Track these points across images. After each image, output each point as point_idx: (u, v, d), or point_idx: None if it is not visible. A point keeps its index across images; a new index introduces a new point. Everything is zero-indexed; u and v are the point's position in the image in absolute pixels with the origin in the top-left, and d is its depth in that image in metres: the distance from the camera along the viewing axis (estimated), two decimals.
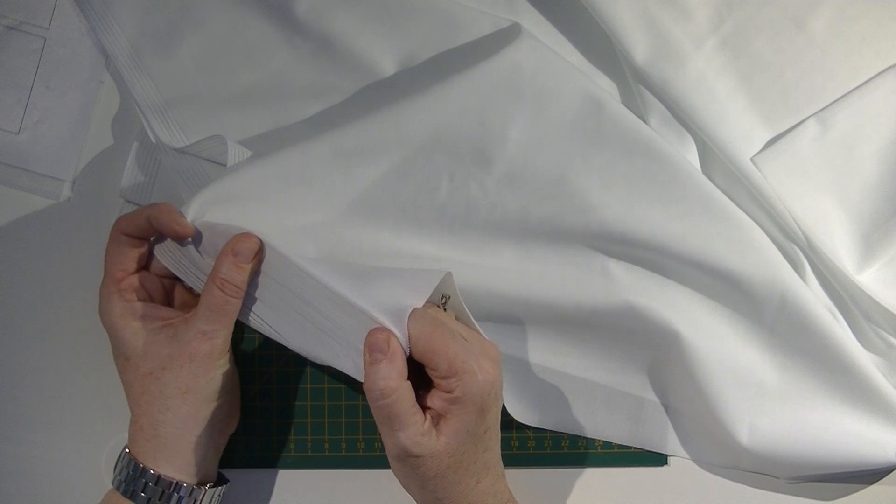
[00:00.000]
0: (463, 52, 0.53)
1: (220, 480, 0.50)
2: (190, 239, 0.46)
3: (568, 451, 0.54)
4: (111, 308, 0.47)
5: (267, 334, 0.47)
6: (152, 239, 0.48)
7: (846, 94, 0.52)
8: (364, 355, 0.42)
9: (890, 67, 0.52)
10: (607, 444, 0.54)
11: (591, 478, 0.54)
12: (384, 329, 0.43)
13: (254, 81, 0.53)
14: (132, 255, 0.47)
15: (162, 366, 0.46)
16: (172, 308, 0.49)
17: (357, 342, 0.43)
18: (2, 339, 0.54)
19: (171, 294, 0.50)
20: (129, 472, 0.46)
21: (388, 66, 0.53)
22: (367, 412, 0.53)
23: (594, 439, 0.54)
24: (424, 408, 0.44)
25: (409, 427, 0.42)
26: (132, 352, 0.46)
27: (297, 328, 0.46)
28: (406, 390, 0.42)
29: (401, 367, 0.42)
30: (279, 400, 0.54)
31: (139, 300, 0.47)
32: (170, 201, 0.47)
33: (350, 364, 0.45)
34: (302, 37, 0.53)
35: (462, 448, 0.44)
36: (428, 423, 0.43)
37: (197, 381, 0.46)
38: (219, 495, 0.49)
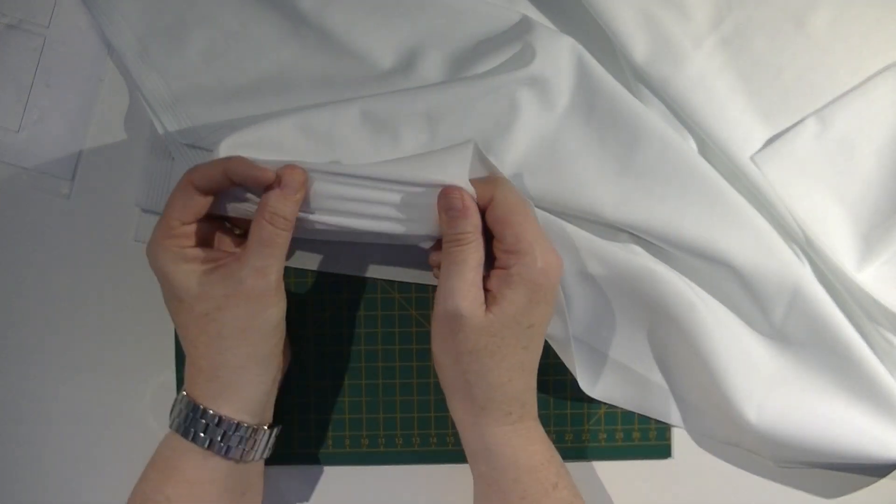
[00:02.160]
0: (485, 43, 0.53)
1: (274, 422, 0.50)
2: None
3: (572, 444, 0.54)
4: (163, 253, 0.45)
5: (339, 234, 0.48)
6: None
7: (846, 93, 0.52)
8: (440, 216, 0.45)
9: (890, 66, 0.52)
10: (611, 438, 0.54)
11: (595, 471, 0.54)
12: (455, 188, 0.45)
13: (262, 73, 0.53)
14: (197, 207, 0.46)
15: (217, 306, 0.45)
16: (220, 250, 0.48)
17: (428, 214, 0.46)
18: (1, 337, 0.54)
19: (214, 236, 0.49)
20: (188, 414, 0.46)
21: (395, 55, 0.53)
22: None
23: (597, 433, 0.54)
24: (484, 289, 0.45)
25: (466, 282, 0.44)
26: (185, 293, 0.45)
27: (363, 228, 0.47)
28: (479, 247, 0.44)
29: (477, 220, 0.45)
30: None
31: (192, 246, 0.46)
32: None
33: (424, 229, 0.46)
34: (309, 28, 0.53)
35: (503, 332, 0.44)
36: (482, 294, 0.44)
37: (254, 319, 0.45)
38: (274, 436, 0.49)
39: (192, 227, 0.46)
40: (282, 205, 0.45)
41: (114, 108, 0.55)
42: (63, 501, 0.54)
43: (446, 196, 0.45)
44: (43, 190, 0.54)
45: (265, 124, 0.48)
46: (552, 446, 0.48)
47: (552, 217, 0.51)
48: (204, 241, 0.48)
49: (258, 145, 0.48)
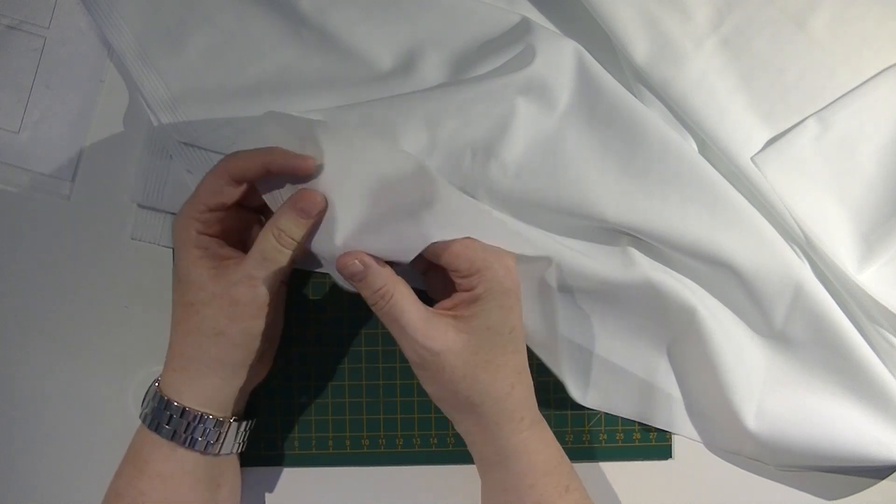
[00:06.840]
0: (484, 45, 0.53)
1: (246, 416, 0.50)
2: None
3: (572, 445, 0.54)
4: (181, 231, 0.46)
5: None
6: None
7: (846, 94, 0.52)
8: (349, 283, 0.44)
9: (890, 67, 0.52)
10: (611, 439, 0.54)
11: (596, 472, 0.54)
12: (347, 254, 0.43)
13: (262, 74, 0.53)
14: (226, 196, 0.46)
15: (203, 301, 0.45)
16: (240, 248, 0.48)
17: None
18: (1, 338, 0.54)
19: (243, 227, 0.49)
20: (155, 406, 0.46)
21: (396, 56, 0.53)
22: (371, 409, 0.54)
23: (597, 433, 0.54)
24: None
25: (418, 326, 0.43)
26: (182, 276, 0.46)
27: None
28: (403, 286, 0.44)
29: (386, 271, 0.44)
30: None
31: (212, 235, 0.47)
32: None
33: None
34: (309, 29, 0.53)
35: (485, 345, 0.44)
36: (443, 320, 0.44)
37: (233, 325, 0.45)
38: (245, 430, 0.49)
39: (219, 215, 0.46)
40: (293, 226, 0.45)
41: (114, 109, 0.55)
42: (59, 496, 0.54)
43: (343, 266, 0.43)
44: (43, 191, 0.54)
45: (267, 125, 0.48)
46: (561, 448, 0.48)
47: (544, 233, 0.51)
48: (231, 229, 0.48)
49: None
